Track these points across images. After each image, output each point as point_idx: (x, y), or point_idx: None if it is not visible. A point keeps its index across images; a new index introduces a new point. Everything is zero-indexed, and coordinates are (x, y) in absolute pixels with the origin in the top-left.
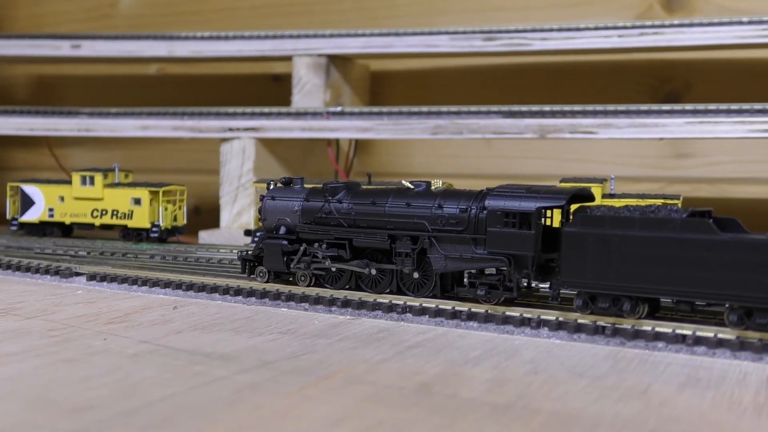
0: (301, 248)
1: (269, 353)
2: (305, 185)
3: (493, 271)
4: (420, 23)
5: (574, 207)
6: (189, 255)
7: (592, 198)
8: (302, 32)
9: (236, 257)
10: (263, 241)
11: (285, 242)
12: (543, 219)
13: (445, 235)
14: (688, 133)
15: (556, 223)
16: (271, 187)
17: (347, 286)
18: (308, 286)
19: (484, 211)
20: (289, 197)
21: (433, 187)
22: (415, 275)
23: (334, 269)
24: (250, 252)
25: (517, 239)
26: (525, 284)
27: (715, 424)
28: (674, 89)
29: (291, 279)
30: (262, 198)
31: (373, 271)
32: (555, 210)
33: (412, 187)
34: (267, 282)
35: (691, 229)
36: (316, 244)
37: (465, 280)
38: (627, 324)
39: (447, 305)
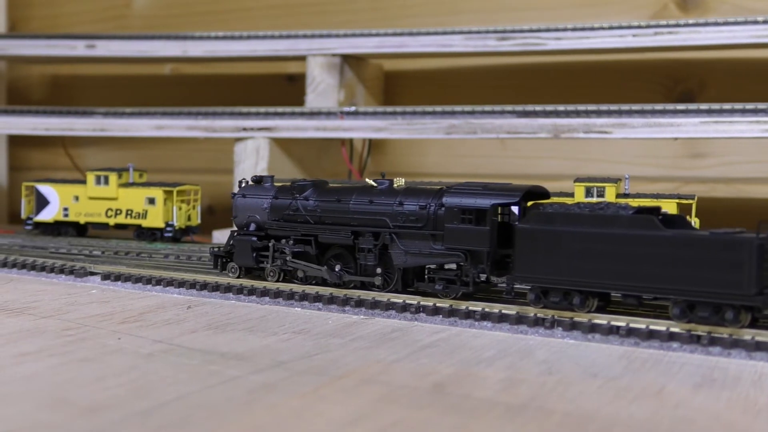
0: (270, 244)
1: (283, 353)
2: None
3: (454, 266)
4: (434, 23)
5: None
6: (203, 254)
7: (547, 195)
8: (316, 32)
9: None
10: (234, 238)
11: (254, 239)
12: (500, 216)
13: (405, 231)
14: (703, 133)
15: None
16: (243, 185)
17: (314, 282)
18: (277, 281)
19: (442, 208)
20: (259, 195)
21: (395, 185)
22: (378, 270)
23: (300, 273)
24: (222, 248)
25: (473, 235)
26: (483, 279)
27: (730, 425)
28: (689, 89)
29: (261, 274)
30: (233, 196)
31: (345, 277)
32: (513, 207)
33: (375, 185)
34: (238, 277)
35: (636, 226)
36: (284, 240)
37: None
38: (641, 324)
39: (461, 305)
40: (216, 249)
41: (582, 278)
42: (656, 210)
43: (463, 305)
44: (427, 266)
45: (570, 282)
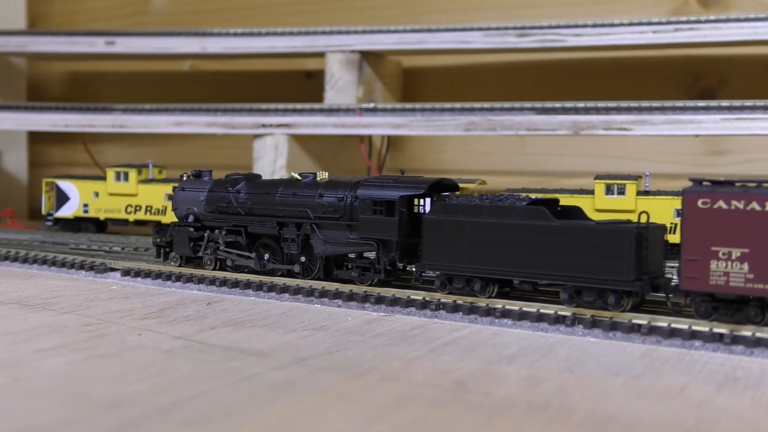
0: (206, 235)
1: (303, 350)
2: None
3: (373, 255)
4: (453, 19)
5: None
6: None
7: (455, 187)
8: (335, 28)
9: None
10: (173, 229)
11: (192, 229)
12: (415, 207)
13: (324, 221)
14: (723, 130)
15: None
16: (184, 178)
17: (245, 270)
18: (214, 269)
19: (357, 200)
20: (197, 188)
21: (318, 179)
22: (302, 259)
23: (234, 258)
24: (163, 239)
25: (383, 225)
26: (399, 267)
27: (754, 425)
28: (709, 85)
29: (200, 263)
30: (174, 190)
31: (269, 265)
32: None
33: (300, 178)
34: (180, 266)
35: (529, 216)
36: (217, 231)
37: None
38: (663, 322)
39: (482, 302)
40: (158, 240)
41: (481, 266)
42: (553, 202)
43: (484, 302)
44: (349, 255)
45: (471, 269)
